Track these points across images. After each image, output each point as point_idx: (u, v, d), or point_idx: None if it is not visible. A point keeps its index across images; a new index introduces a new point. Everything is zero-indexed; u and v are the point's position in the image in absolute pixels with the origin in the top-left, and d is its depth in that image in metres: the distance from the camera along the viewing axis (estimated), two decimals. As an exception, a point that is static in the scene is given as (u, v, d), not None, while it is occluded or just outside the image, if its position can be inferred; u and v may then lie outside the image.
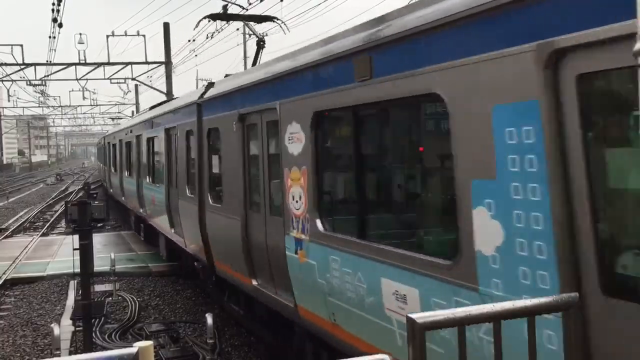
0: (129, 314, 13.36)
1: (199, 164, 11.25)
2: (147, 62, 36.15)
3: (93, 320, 11.26)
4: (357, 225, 5.98)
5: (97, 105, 70.97)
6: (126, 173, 22.14)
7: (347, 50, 5.87)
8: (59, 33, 29.10)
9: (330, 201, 6.92)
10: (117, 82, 45.30)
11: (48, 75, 39.14)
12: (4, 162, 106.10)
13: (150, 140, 16.83)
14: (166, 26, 35.35)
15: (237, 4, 24.17)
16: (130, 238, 23.38)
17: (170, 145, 14.12)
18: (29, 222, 30.45)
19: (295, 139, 6.97)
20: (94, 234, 11.04)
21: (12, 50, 35.85)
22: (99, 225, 16.50)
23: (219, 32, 27.37)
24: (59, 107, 72.19)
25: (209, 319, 9.78)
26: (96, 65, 36.24)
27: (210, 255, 11.09)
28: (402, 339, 5.04)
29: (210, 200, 10.72)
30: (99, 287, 15.16)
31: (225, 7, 24.86)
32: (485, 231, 4.02)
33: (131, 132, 20.58)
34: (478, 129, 4.09)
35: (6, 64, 35.79)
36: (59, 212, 32.42)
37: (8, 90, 47.67)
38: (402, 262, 5.01)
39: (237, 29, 40.62)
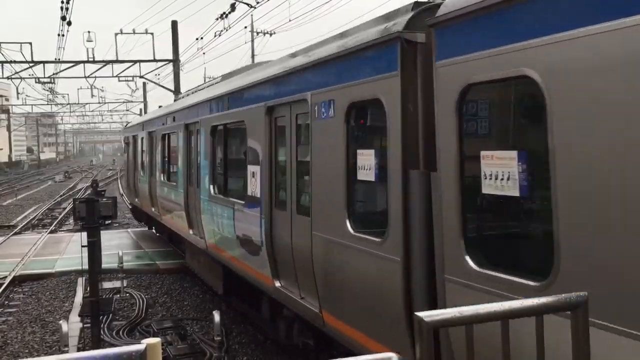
0: (137, 311, 13.41)
1: None
2: (155, 60, 36.22)
3: (101, 317, 11.31)
4: None
5: (105, 102, 71.34)
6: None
7: None
8: (67, 31, 29.25)
9: None
10: (125, 80, 45.50)
11: (57, 73, 39.26)
12: (13, 159, 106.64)
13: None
14: (174, 24, 35.45)
15: (244, 2, 24.21)
16: (138, 235, 23.45)
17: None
18: (37, 219, 30.57)
19: None
20: (102, 231, 11.08)
21: (21, 48, 36.04)
22: (107, 222, 16.54)
23: (226, 30, 27.34)
24: (67, 104, 72.66)
25: (217, 317, 9.78)
26: (104, 63, 36.34)
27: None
28: None
29: None
30: (107, 284, 15.23)
31: (233, 5, 24.92)
32: None
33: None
34: None
35: (15, 62, 35.94)
36: (67, 209, 32.55)
37: (17, 88, 47.95)
38: None
39: (245, 27, 40.75)
